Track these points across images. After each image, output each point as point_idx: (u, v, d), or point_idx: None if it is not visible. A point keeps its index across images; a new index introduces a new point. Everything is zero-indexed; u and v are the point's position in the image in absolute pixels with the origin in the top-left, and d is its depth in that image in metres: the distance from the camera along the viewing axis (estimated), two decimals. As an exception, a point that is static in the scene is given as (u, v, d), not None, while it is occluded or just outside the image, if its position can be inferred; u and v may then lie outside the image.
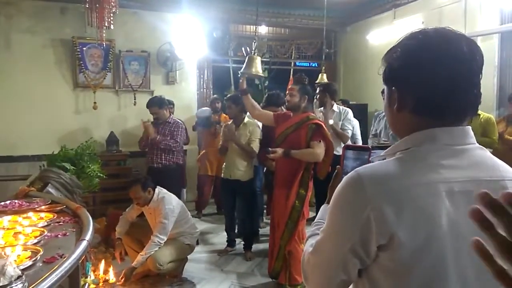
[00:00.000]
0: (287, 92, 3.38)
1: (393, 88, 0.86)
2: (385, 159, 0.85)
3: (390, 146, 0.89)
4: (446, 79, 0.79)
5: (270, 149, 3.22)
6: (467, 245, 0.73)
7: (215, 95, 5.87)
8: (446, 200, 0.75)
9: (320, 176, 3.37)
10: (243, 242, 4.25)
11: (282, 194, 3.28)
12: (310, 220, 4.23)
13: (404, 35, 0.86)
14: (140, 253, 3.28)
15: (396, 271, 0.76)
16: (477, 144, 0.84)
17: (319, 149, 3.17)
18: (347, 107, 4.91)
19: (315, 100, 4.19)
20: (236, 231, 4.41)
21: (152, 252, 3.27)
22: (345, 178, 0.82)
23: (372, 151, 1.01)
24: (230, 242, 4.30)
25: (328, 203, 1.00)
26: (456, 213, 0.75)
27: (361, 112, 5.86)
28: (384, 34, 6.08)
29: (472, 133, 0.83)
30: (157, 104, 4.23)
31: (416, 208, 0.75)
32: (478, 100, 0.83)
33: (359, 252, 0.78)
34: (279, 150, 3.17)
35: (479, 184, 0.76)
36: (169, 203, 3.41)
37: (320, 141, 3.18)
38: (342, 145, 4.27)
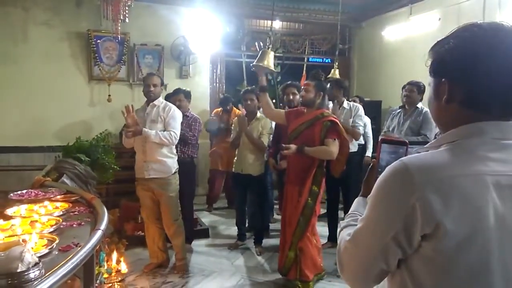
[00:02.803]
0: (302, 87, 3.34)
1: (443, 79, 0.84)
2: (428, 151, 0.85)
3: (427, 142, 0.88)
4: (498, 73, 0.78)
5: (283, 145, 3.19)
6: None
7: (226, 94, 5.89)
8: (493, 192, 0.75)
9: (335, 174, 3.34)
10: (253, 237, 4.27)
11: (295, 191, 3.25)
12: (321, 217, 4.23)
13: (457, 28, 0.85)
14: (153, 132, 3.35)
15: (439, 262, 0.76)
16: None
17: (334, 147, 3.13)
18: (362, 104, 4.85)
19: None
20: (246, 225, 4.43)
21: (161, 137, 3.32)
22: (389, 168, 0.82)
23: (409, 146, 0.99)
24: (241, 236, 4.32)
25: (362, 196, 1.00)
26: (503, 207, 0.75)
27: (374, 109, 5.81)
28: (400, 30, 6.00)
29: None
30: (183, 93, 4.29)
31: (463, 198, 0.74)
32: None
33: (401, 241, 0.78)
34: (293, 147, 3.14)
35: None
36: (174, 106, 3.56)
37: (334, 139, 3.13)
38: (354, 142, 4.23)
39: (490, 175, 0.76)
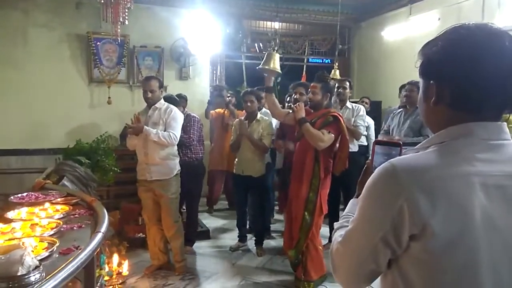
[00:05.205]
0: (309, 90, 3.34)
1: (431, 82, 0.85)
2: (418, 152, 0.85)
3: (420, 142, 0.89)
4: (486, 75, 0.78)
5: (292, 106, 3.29)
6: (501, 239, 0.75)
7: (230, 91, 5.89)
8: (480, 193, 0.75)
9: (336, 172, 3.35)
10: (254, 238, 4.27)
11: (297, 188, 3.28)
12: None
13: (445, 29, 0.85)
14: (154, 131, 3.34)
15: (428, 262, 0.77)
16: None
17: (325, 137, 3.12)
18: (369, 106, 4.88)
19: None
20: (247, 227, 4.42)
21: (160, 136, 3.32)
22: (378, 169, 0.83)
23: (403, 147, 1.00)
24: (242, 238, 4.31)
25: (357, 197, 1.01)
26: (490, 207, 0.75)
27: (375, 109, 5.80)
28: (399, 31, 6.00)
29: (507, 129, 0.83)
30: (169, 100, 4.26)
31: (450, 199, 0.75)
32: None
33: (390, 242, 0.79)
34: (301, 108, 3.19)
35: None
36: (175, 108, 3.54)
37: (329, 132, 3.14)
38: (355, 142, 4.23)
39: (476, 175, 0.76)
